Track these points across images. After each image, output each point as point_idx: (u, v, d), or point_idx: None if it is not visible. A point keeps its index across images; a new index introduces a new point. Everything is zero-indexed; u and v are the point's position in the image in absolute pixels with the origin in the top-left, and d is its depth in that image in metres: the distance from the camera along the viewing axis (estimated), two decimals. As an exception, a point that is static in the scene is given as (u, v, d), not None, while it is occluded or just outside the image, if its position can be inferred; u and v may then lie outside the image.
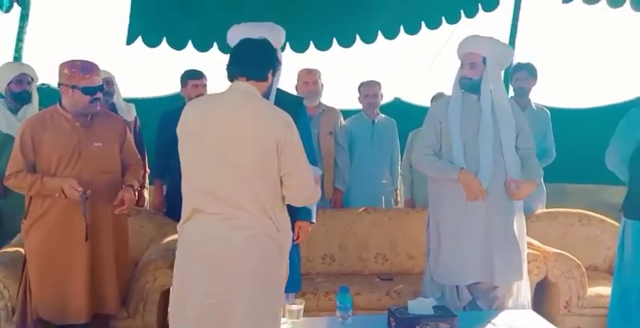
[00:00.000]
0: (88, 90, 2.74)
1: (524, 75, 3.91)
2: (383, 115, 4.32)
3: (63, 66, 2.76)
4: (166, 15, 4.90)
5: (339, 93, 5.13)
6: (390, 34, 5.15)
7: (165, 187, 3.85)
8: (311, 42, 4.94)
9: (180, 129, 2.22)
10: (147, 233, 3.46)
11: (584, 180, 5.56)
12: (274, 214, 2.13)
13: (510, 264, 2.88)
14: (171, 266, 2.90)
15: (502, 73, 3.04)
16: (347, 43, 5.18)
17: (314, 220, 2.79)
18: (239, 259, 2.08)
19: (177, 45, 4.94)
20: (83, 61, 2.77)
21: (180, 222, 2.22)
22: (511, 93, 4.15)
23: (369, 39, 5.18)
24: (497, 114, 2.87)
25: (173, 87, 5.60)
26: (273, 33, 2.63)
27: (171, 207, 3.78)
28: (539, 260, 3.24)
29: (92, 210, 2.73)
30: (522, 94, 3.92)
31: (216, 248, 2.08)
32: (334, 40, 5.14)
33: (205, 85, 3.80)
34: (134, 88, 5.11)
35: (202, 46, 4.97)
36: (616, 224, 3.76)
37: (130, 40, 4.85)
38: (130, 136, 3.10)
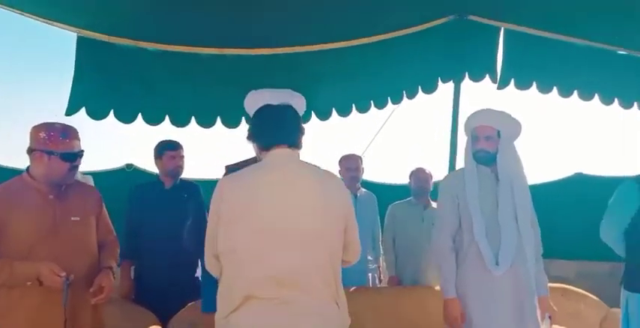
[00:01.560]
0: (68, 157, 2.37)
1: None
2: (364, 190, 4.17)
3: (38, 129, 2.35)
4: (114, 85, 4.57)
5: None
6: (343, 111, 5.20)
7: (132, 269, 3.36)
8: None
9: (220, 209, 1.90)
10: (119, 326, 2.86)
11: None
12: (337, 293, 1.88)
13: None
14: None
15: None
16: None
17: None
18: None
19: (126, 118, 4.57)
20: (62, 123, 2.42)
21: (225, 311, 1.85)
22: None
23: (322, 116, 5.18)
24: (514, 187, 2.79)
25: (115, 161, 5.20)
26: (299, 100, 2.43)
27: (140, 293, 3.28)
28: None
29: (70, 299, 2.24)
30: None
31: None
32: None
33: (183, 157, 3.47)
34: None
35: (153, 119, 4.65)
36: (595, 298, 3.81)
37: (71, 111, 4.42)
38: (105, 209, 2.69)
